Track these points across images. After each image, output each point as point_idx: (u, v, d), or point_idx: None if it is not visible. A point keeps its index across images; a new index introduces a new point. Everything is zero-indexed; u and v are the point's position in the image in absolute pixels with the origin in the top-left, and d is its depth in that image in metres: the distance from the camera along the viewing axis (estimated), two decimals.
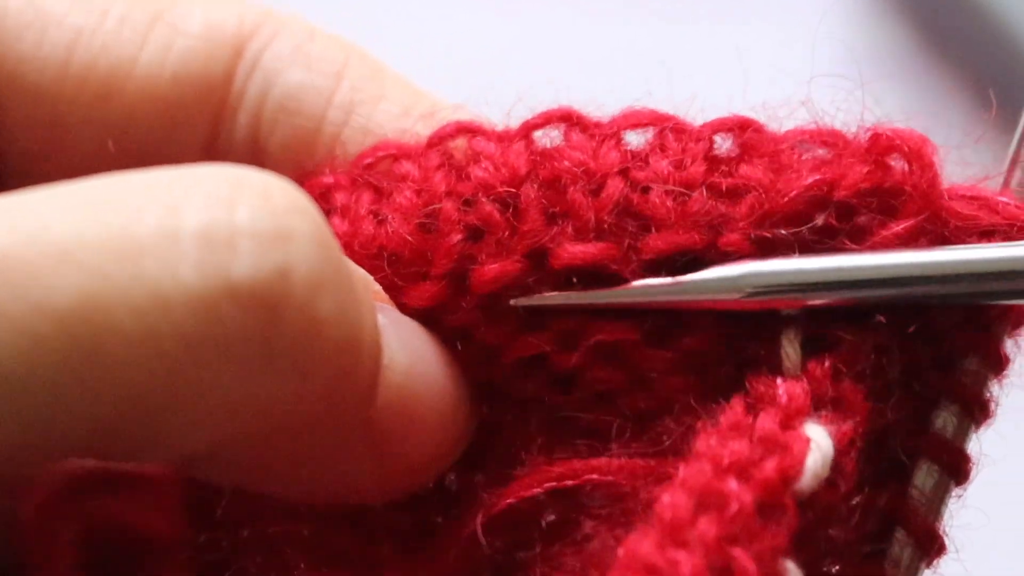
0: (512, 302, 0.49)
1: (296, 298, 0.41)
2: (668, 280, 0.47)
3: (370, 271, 0.50)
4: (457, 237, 0.49)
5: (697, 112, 0.50)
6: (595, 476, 0.46)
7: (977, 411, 0.47)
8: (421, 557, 0.49)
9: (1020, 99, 0.50)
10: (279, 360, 0.42)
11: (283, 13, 0.55)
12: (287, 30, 0.54)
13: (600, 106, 0.51)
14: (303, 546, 0.49)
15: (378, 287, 0.50)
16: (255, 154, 0.54)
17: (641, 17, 1.20)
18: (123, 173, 0.43)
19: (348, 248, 0.50)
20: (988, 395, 0.48)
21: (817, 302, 0.46)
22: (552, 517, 0.48)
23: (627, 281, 0.48)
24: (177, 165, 0.44)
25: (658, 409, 0.48)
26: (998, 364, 0.48)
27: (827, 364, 0.44)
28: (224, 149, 0.54)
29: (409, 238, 0.49)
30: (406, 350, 0.48)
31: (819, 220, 0.47)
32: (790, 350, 0.44)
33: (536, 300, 0.49)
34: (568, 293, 0.48)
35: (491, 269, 0.48)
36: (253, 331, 0.41)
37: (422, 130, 0.52)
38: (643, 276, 0.48)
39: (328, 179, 0.52)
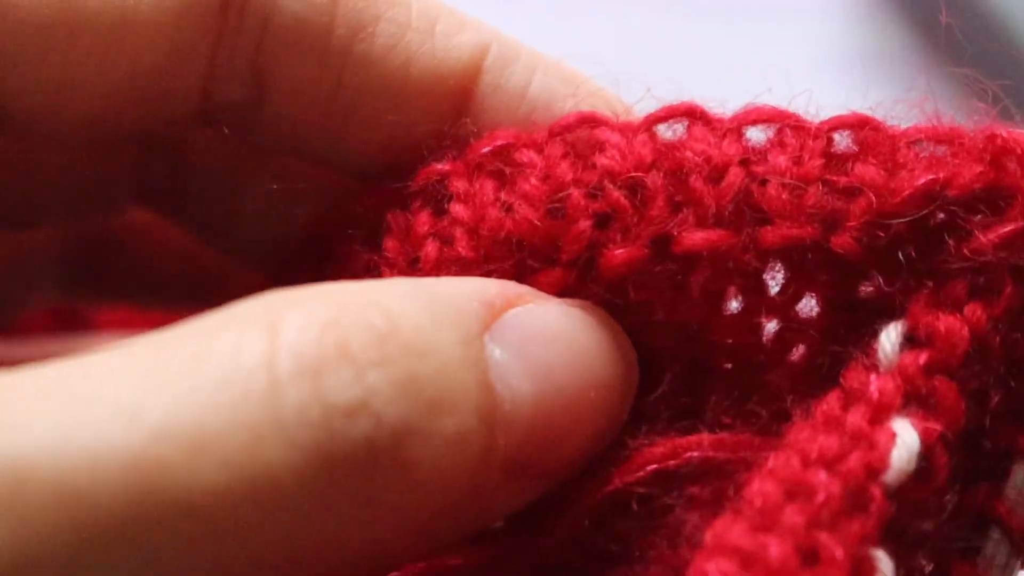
0: None
1: (387, 455, 0.42)
2: None
3: (497, 257, 0.51)
4: (586, 223, 0.50)
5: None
6: (696, 454, 0.47)
7: None
8: (527, 534, 0.50)
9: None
10: (380, 506, 0.43)
11: None
12: None
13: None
14: None
15: (519, 290, 0.49)
16: (259, 81, 0.55)
17: (642, 14, 1.20)
18: (202, 353, 0.42)
19: (474, 233, 0.51)
20: None
21: None
22: (643, 495, 0.48)
23: None
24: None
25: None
26: None
27: (922, 360, 0.45)
28: (226, 78, 0.55)
29: (538, 223, 0.50)
30: (533, 374, 0.46)
31: (932, 221, 0.47)
32: (887, 345, 0.45)
33: None
34: None
35: (620, 254, 0.49)
36: (352, 489, 0.42)
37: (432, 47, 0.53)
38: (762, 268, 0.49)
39: (444, 166, 0.53)
